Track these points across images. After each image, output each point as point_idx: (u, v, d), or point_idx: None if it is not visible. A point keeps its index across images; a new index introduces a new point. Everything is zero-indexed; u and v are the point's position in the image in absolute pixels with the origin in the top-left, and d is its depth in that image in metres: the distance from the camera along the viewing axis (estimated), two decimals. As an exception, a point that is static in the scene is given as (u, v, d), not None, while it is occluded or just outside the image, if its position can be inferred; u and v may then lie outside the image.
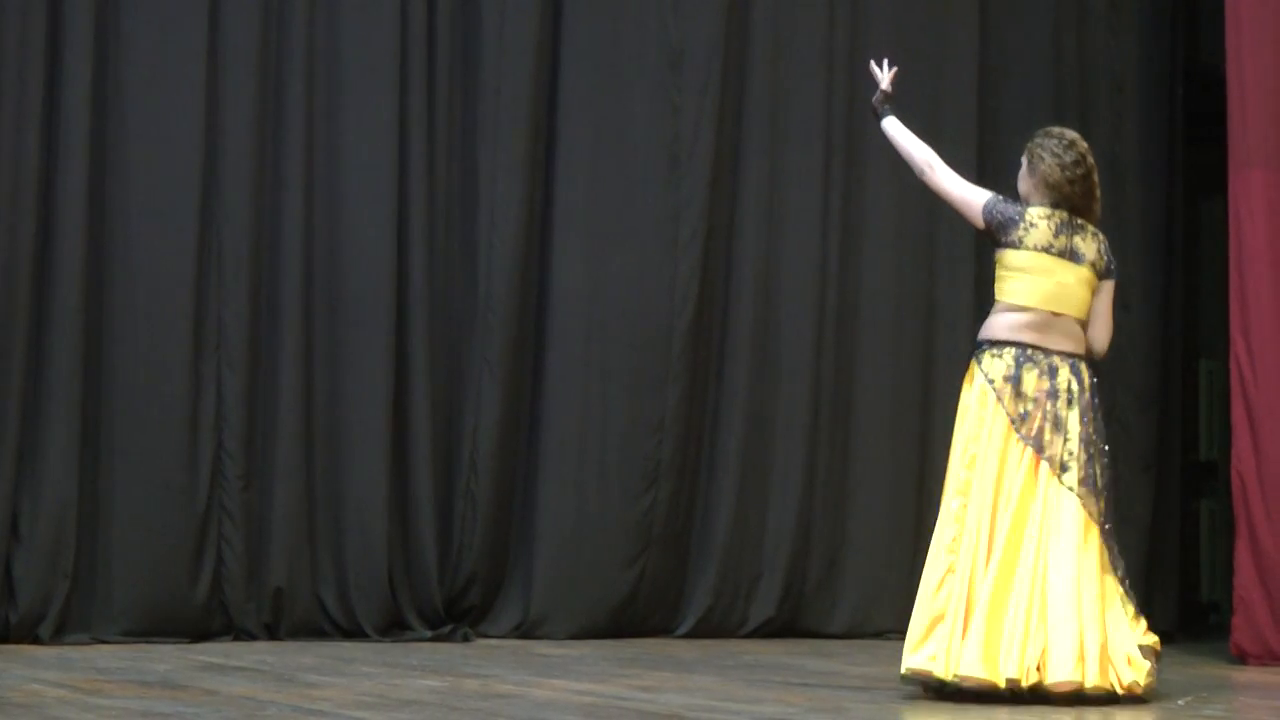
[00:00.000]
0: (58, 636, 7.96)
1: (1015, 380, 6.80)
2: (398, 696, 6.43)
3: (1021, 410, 6.76)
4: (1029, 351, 6.82)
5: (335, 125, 8.59)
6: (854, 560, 9.38)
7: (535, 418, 8.97)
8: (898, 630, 9.22)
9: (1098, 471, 6.79)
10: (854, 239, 9.48)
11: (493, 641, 8.66)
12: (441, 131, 8.80)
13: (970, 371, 6.91)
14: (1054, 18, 9.89)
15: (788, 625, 9.27)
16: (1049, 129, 7.04)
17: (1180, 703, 6.76)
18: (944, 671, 6.62)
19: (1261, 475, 8.51)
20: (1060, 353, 6.83)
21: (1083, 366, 6.87)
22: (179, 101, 8.29)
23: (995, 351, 6.86)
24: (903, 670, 6.75)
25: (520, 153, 8.90)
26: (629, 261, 9.08)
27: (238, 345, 8.36)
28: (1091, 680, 6.55)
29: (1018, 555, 6.68)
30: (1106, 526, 6.78)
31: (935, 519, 6.89)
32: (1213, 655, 8.58)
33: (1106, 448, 6.88)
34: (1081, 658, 6.56)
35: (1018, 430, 6.75)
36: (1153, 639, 6.81)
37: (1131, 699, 6.60)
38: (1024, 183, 6.98)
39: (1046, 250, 6.83)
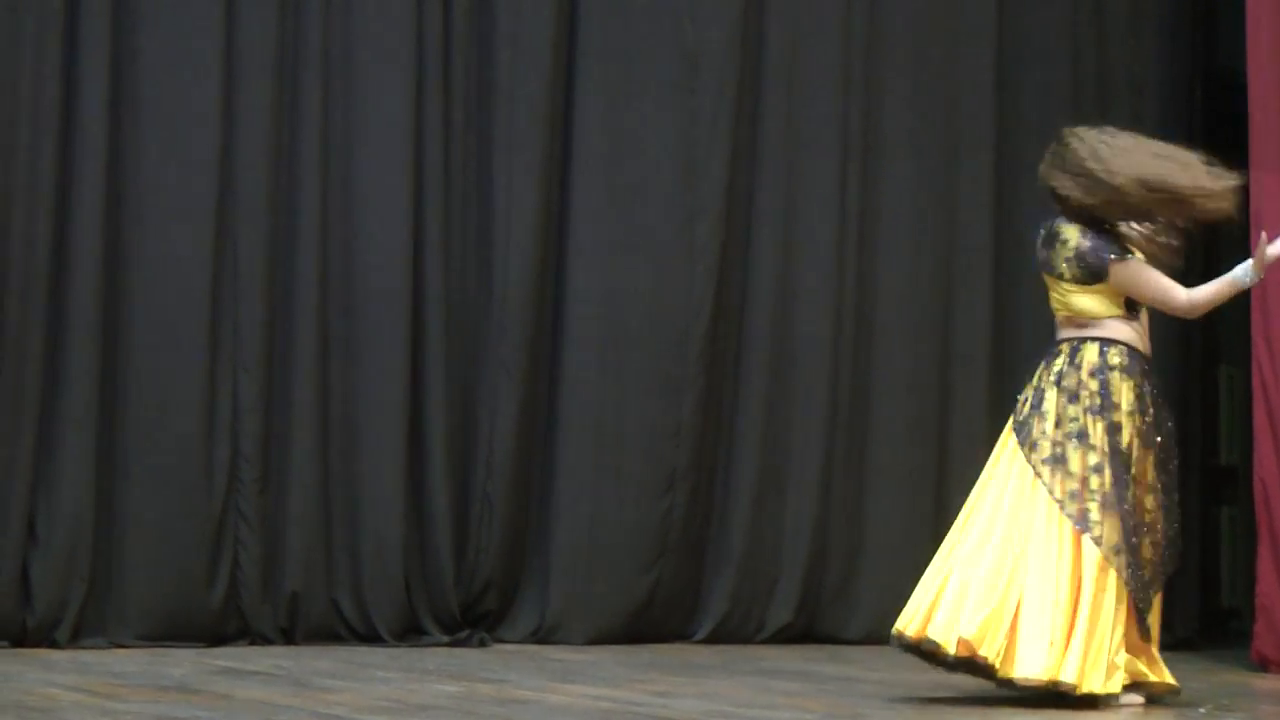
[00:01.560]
0: (74, 640, 7.95)
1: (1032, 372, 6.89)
2: (413, 701, 6.41)
3: (1022, 397, 6.81)
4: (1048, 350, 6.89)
5: (351, 129, 8.58)
6: (871, 566, 9.34)
7: (551, 421, 8.95)
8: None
9: (1070, 452, 6.63)
10: (871, 243, 9.44)
11: (509, 646, 8.64)
12: (457, 134, 8.78)
13: None
14: (1072, 19, 9.85)
15: (805, 631, 9.24)
16: None
17: (1201, 710, 6.72)
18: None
19: (1284, 480, 8.47)
20: (1064, 340, 6.82)
21: (1086, 346, 6.77)
22: (194, 106, 8.28)
23: None
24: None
25: (536, 155, 8.87)
26: (645, 265, 9.05)
27: (253, 349, 8.34)
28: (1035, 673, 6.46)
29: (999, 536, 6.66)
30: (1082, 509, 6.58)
31: (952, 524, 6.86)
32: (1233, 662, 8.54)
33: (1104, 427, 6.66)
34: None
35: (1015, 419, 6.78)
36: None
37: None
38: None
39: (1041, 268, 6.91)
